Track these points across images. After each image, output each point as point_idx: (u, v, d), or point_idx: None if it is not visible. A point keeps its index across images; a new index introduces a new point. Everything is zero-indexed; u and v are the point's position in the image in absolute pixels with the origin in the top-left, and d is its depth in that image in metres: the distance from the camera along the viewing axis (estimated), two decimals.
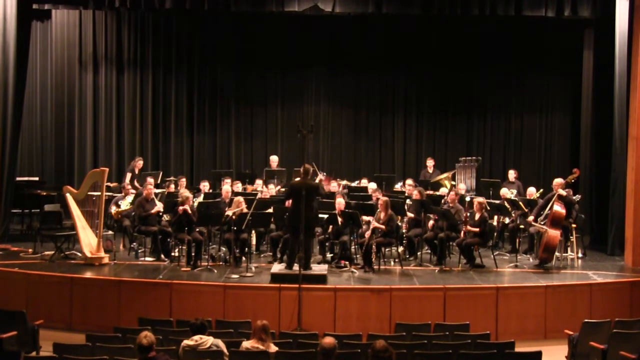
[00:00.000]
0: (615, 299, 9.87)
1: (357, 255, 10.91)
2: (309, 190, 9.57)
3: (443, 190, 12.65)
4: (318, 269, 10.01)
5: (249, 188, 12.69)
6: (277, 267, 10.07)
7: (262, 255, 11.36)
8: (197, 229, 10.77)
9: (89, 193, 10.87)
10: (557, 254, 10.83)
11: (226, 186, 12.02)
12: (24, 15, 12.06)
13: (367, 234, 10.50)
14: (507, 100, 15.02)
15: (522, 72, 14.86)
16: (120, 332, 7.79)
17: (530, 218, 11.05)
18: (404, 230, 11.38)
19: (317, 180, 12.29)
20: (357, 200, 11.33)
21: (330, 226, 10.80)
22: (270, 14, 13.35)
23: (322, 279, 9.66)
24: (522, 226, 11.70)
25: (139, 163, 13.32)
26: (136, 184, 12.86)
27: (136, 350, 6.04)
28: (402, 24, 14.47)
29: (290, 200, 10.12)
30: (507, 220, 11.88)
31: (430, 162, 13.97)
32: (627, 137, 11.47)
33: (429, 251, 11.28)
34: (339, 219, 10.62)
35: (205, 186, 12.45)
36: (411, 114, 15.15)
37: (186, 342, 6.76)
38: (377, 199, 11.18)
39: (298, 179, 10.20)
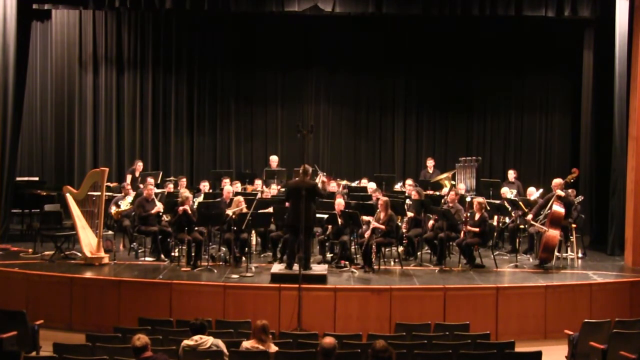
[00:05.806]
0: (615, 299, 9.87)
1: (357, 255, 10.91)
2: (306, 190, 9.55)
3: (444, 191, 12.64)
4: (318, 269, 10.00)
5: (249, 188, 12.69)
6: (277, 267, 10.07)
7: (262, 255, 11.36)
8: (197, 229, 10.77)
9: (89, 193, 10.86)
10: (557, 253, 10.83)
11: (228, 186, 12.00)
12: (24, 15, 12.07)
13: (367, 234, 10.50)
14: (507, 100, 15.01)
15: (522, 72, 14.86)
16: (120, 332, 7.79)
17: (529, 217, 11.03)
18: (404, 230, 11.38)
19: (317, 181, 12.29)
20: (357, 200, 11.32)
21: (330, 226, 10.79)
22: (270, 14, 13.35)
23: (322, 279, 9.66)
24: (522, 226, 11.70)
25: (139, 166, 13.31)
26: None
27: (132, 352, 6.17)
28: (402, 24, 14.47)
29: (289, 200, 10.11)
30: (507, 220, 11.88)
31: (430, 162, 13.96)
32: (627, 137, 11.47)
33: (429, 251, 11.28)
34: (339, 219, 10.62)
35: (205, 186, 12.44)
36: (411, 114, 15.15)
37: (186, 342, 6.77)
38: (377, 199, 11.18)
39: (296, 178, 10.20)
